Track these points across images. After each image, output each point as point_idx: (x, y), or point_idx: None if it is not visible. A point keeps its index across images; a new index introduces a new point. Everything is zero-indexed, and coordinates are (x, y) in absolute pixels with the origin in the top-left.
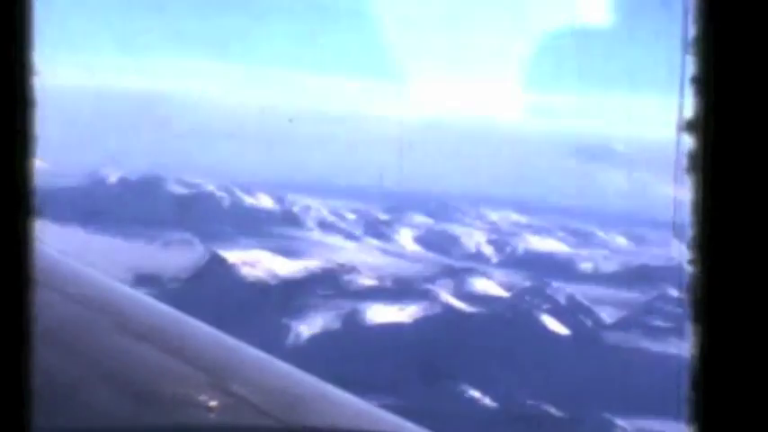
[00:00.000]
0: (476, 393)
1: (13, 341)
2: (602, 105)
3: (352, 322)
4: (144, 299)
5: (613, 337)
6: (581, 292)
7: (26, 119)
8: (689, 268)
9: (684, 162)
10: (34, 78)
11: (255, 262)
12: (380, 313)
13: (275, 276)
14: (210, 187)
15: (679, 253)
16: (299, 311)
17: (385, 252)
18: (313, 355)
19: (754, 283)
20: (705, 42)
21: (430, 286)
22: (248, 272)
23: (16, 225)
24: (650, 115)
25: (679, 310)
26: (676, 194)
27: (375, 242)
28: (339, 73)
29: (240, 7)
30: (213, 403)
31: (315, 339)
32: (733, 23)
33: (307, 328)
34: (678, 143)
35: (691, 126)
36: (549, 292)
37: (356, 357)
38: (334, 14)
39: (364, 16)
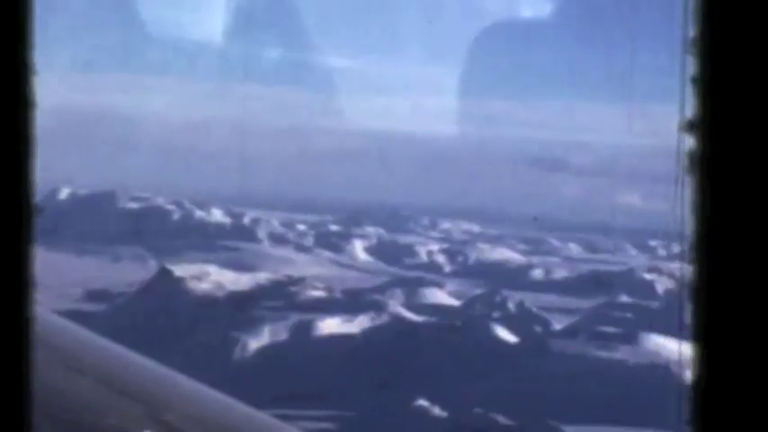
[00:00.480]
0: (425, 403)
1: (13, 341)
2: (559, 114)
3: (302, 334)
4: (82, 332)
5: (562, 345)
6: (532, 299)
7: (26, 119)
8: (643, 275)
9: (684, 162)
10: (34, 78)
11: (204, 275)
12: (330, 324)
13: (224, 289)
14: (161, 202)
15: (631, 259)
16: (248, 324)
17: (336, 263)
18: (262, 367)
19: (755, 283)
20: (705, 42)
21: (380, 297)
22: (197, 285)
23: (16, 225)
24: (607, 123)
25: (627, 317)
26: (677, 198)
27: (326, 253)
28: (287, 85)
29: (188, 24)
30: None
31: (264, 351)
32: (733, 23)
33: (255, 340)
34: (678, 143)
35: (691, 126)
36: (499, 300)
37: (306, 369)
38: (278, 29)
39: (303, 31)
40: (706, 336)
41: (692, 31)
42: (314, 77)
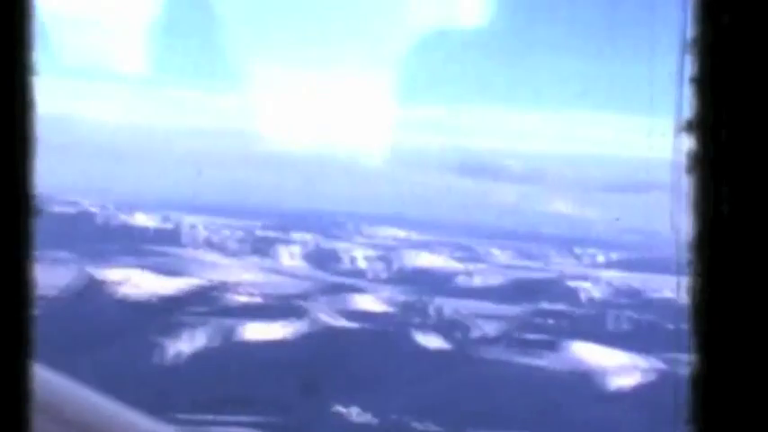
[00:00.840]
0: (351, 410)
1: (13, 342)
2: (489, 122)
3: (228, 340)
4: None
5: (485, 352)
6: (461, 306)
7: (26, 120)
8: (568, 283)
9: (683, 163)
10: (34, 79)
11: (131, 281)
12: (257, 331)
13: (151, 295)
14: (89, 206)
15: (563, 267)
16: (175, 330)
17: (265, 269)
18: (188, 374)
19: (755, 283)
20: (705, 42)
21: (308, 303)
22: (124, 290)
23: (16, 226)
24: (535, 130)
25: (551, 323)
26: (675, 204)
27: (255, 259)
28: (217, 89)
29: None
30: None
31: (190, 357)
32: (733, 23)
33: (182, 346)
34: (679, 143)
35: (690, 126)
36: (427, 307)
37: (232, 375)
38: (208, 32)
39: (225, 31)
40: (706, 336)
41: (692, 31)
42: (247, 82)
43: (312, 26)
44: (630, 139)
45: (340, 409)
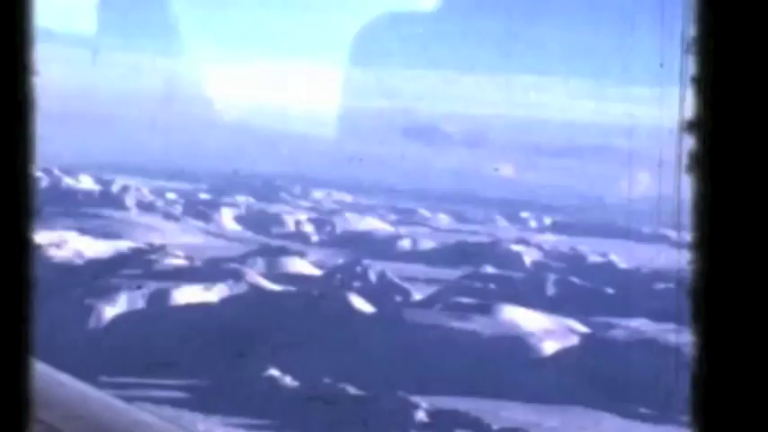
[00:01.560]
0: (277, 373)
1: (13, 342)
2: (430, 84)
3: (160, 303)
4: None
5: (418, 315)
6: (397, 270)
7: (26, 119)
8: (510, 246)
9: (684, 160)
10: (34, 78)
11: (63, 242)
12: (187, 293)
13: (83, 257)
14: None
15: (500, 231)
16: (105, 292)
17: (206, 232)
18: (118, 336)
19: (754, 282)
20: (705, 42)
21: (241, 266)
22: (55, 252)
23: (16, 225)
24: (479, 94)
25: (490, 288)
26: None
27: (197, 223)
28: (159, 53)
29: None
30: None
31: (120, 320)
32: (733, 23)
33: (112, 308)
34: (679, 142)
35: (690, 125)
36: (360, 270)
37: (161, 338)
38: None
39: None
40: (706, 334)
41: (692, 31)
42: (188, 46)
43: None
44: (576, 103)
45: (269, 372)
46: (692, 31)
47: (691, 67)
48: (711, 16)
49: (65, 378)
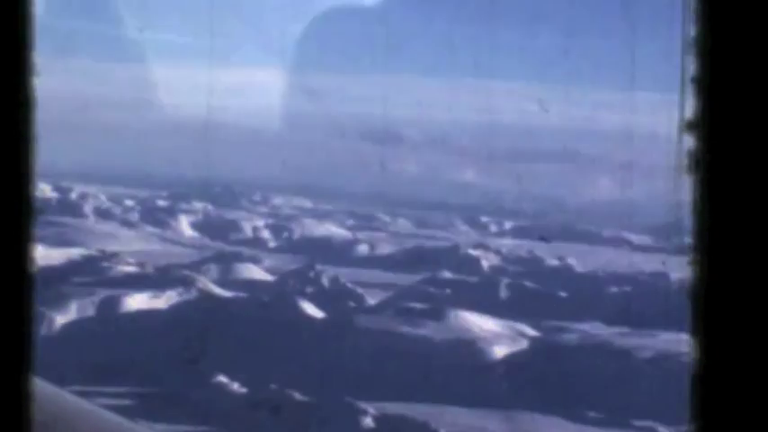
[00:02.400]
0: (224, 379)
1: (13, 341)
2: (392, 89)
3: (108, 310)
4: None
5: (369, 321)
6: (353, 275)
7: (26, 119)
8: (468, 251)
9: (684, 161)
10: (34, 78)
11: None
12: (138, 300)
13: (39, 265)
14: None
15: (460, 236)
16: (54, 299)
17: (161, 239)
18: (67, 343)
19: (754, 282)
20: (705, 42)
21: (193, 272)
22: None
23: (16, 225)
24: (439, 99)
25: (445, 293)
26: (678, 193)
27: (152, 229)
28: (115, 60)
29: None
30: None
31: (69, 327)
32: (733, 23)
33: (61, 315)
34: (680, 143)
35: (690, 126)
36: (314, 275)
37: (110, 345)
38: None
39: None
40: (706, 335)
41: (692, 31)
42: (143, 52)
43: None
44: (533, 108)
45: (217, 379)
46: (692, 31)
47: (691, 67)
48: (711, 17)
49: (69, 397)
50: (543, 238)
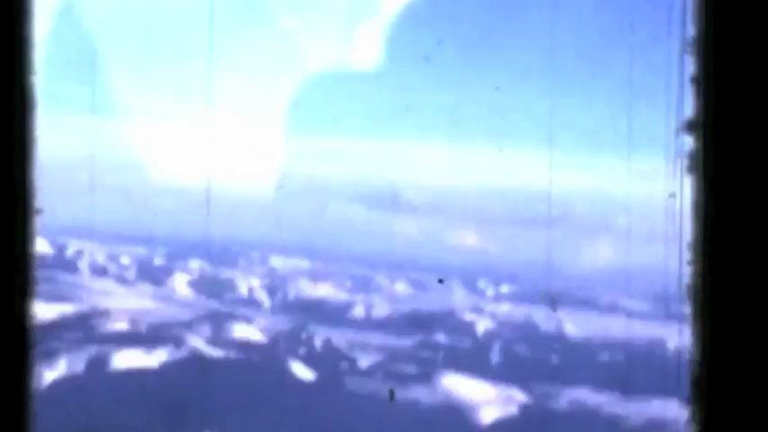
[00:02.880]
0: None
1: (13, 342)
2: (389, 151)
3: (99, 368)
4: None
5: (358, 384)
6: (346, 337)
7: (26, 120)
8: (464, 315)
9: (684, 162)
10: (34, 79)
11: None
12: (130, 359)
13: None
14: None
15: (456, 299)
16: (44, 356)
17: (156, 297)
18: (56, 400)
19: (754, 282)
20: (705, 42)
21: (185, 331)
22: None
23: (16, 225)
24: (438, 162)
25: (438, 356)
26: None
27: (147, 287)
28: (112, 118)
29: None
30: None
31: (58, 384)
32: (733, 24)
33: (50, 372)
34: (680, 143)
35: (690, 126)
36: (305, 337)
37: (99, 403)
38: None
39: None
40: (706, 336)
41: (692, 31)
42: (141, 113)
43: (203, 63)
44: (531, 172)
45: None
46: (692, 31)
47: (690, 67)
48: (711, 16)
49: None
50: (551, 303)
